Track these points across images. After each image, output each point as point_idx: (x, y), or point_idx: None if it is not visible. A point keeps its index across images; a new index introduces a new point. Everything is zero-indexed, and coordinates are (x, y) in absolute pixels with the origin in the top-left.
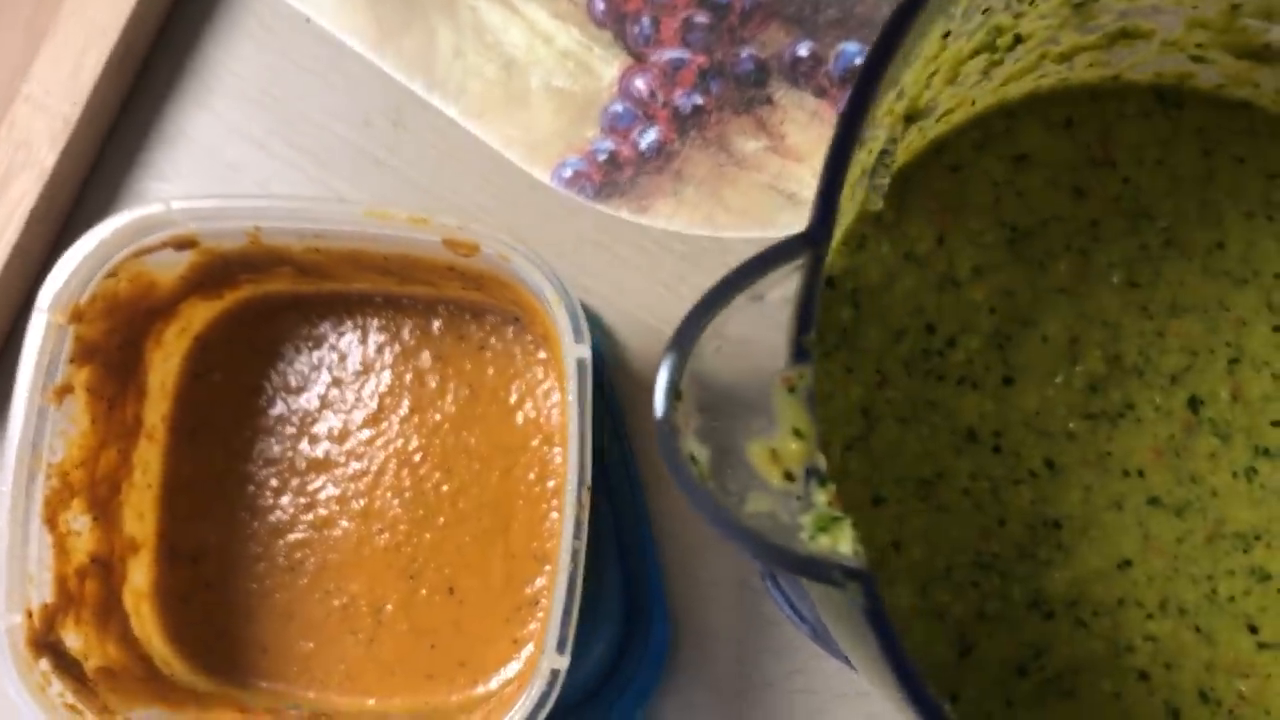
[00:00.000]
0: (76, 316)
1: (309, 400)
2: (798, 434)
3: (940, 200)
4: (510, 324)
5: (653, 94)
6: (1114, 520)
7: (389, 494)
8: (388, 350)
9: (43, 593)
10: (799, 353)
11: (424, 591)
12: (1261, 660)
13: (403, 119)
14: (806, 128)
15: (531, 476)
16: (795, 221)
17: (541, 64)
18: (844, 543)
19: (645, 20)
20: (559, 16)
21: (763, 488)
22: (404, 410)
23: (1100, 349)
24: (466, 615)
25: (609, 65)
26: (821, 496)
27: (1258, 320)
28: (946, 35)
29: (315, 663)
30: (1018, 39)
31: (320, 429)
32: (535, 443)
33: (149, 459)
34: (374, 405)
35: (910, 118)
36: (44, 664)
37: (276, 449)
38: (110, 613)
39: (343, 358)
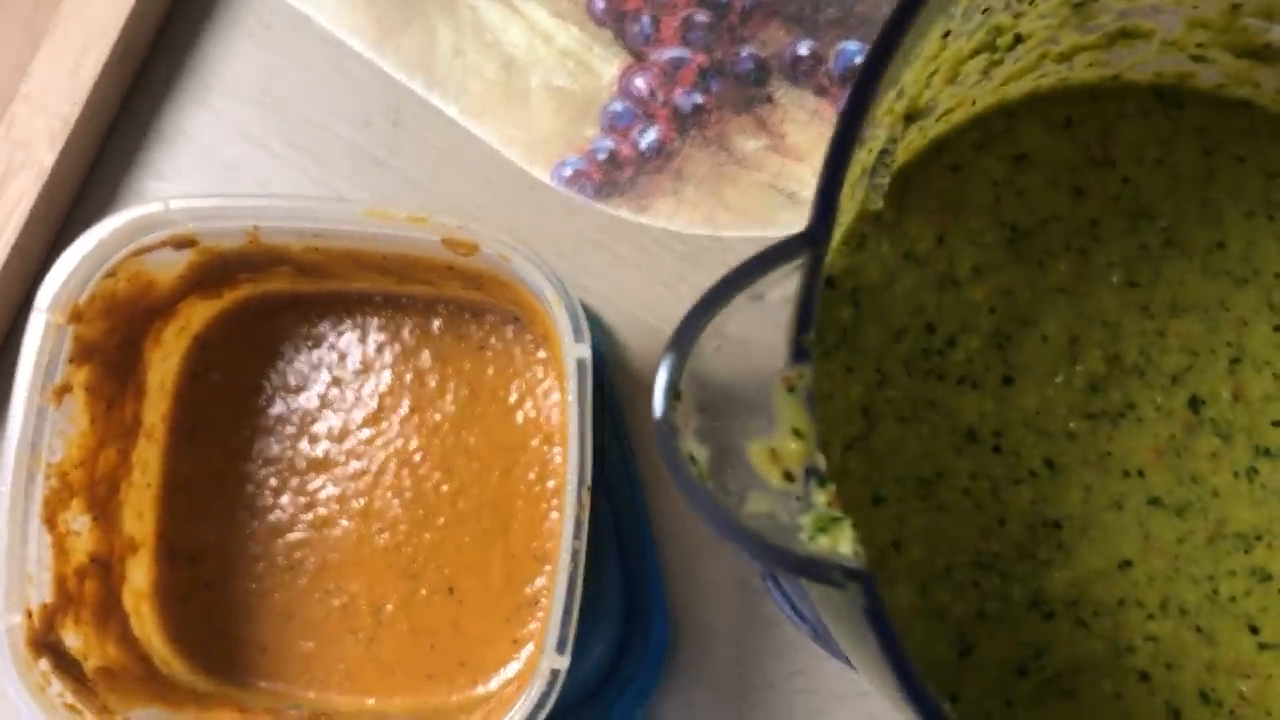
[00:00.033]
0: (75, 316)
1: (308, 400)
2: (797, 434)
3: (940, 200)
4: (510, 323)
5: (653, 93)
6: (1114, 520)
7: (389, 494)
8: (387, 350)
9: (42, 593)
10: (799, 352)
11: (424, 591)
12: (1262, 661)
13: (402, 118)
14: (807, 127)
15: (531, 476)
16: (795, 220)
17: (541, 63)
18: (844, 543)
19: (645, 19)
20: (559, 15)
21: (762, 488)
22: (404, 410)
23: (1100, 349)
24: (466, 615)
25: (609, 64)
26: (821, 497)
27: (1258, 320)
28: (946, 35)
29: (315, 662)
30: (1018, 39)
31: (320, 428)
32: (535, 442)
33: (148, 459)
34: (374, 405)
35: (910, 117)
36: (43, 664)
37: (276, 448)
38: (110, 613)
39: (342, 357)
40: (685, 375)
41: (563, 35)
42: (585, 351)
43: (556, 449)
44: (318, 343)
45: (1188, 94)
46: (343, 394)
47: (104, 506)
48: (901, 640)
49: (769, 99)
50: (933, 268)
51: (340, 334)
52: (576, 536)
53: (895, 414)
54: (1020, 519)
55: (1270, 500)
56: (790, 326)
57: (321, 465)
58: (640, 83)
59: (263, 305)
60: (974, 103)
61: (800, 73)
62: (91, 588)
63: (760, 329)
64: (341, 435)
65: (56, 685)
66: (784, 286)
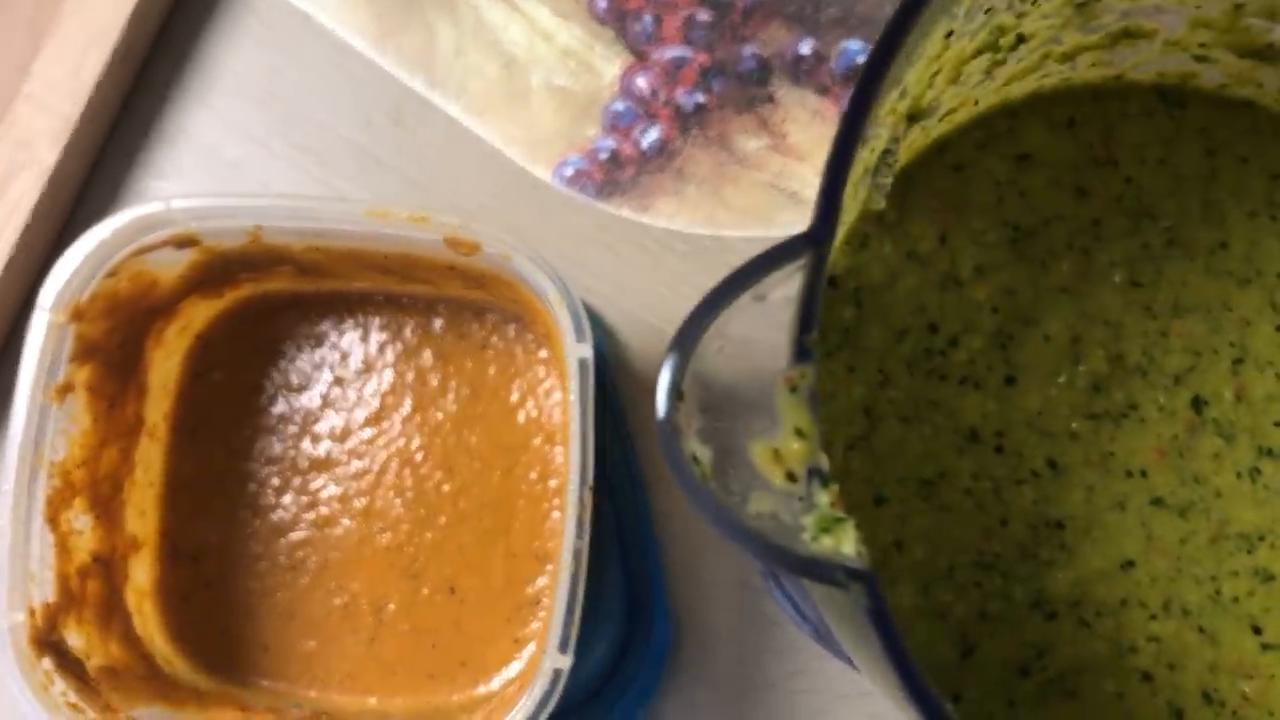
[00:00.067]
0: (77, 315)
1: (310, 399)
2: (800, 434)
3: (943, 199)
4: (512, 323)
5: (654, 92)
6: (1117, 521)
7: (390, 493)
8: (389, 349)
9: (45, 591)
10: (801, 352)
11: (425, 591)
12: (1265, 661)
13: (403, 117)
14: (808, 126)
15: (533, 476)
16: (797, 220)
17: (542, 62)
18: (847, 543)
19: (647, 18)
20: (560, 14)
21: (765, 488)
22: (405, 409)
23: (1103, 349)
24: (468, 615)
25: (610, 63)
26: (824, 497)
27: (1261, 320)
28: (949, 35)
29: (316, 662)
30: (1020, 39)
31: (322, 428)
32: (537, 442)
33: (150, 458)
34: (375, 404)
35: (913, 117)
36: (46, 663)
37: (278, 448)
38: (112, 611)
39: (344, 356)
40: (688, 376)
41: (564, 34)
42: (587, 351)
43: (558, 448)
44: (319, 342)
45: (1190, 94)
46: (344, 393)
47: (106, 505)
48: (904, 640)
49: (771, 98)
50: (935, 267)
51: (342, 333)
52: (579, 536)
53: (897, 414)
54: (1022, 519)
55: (1273, 500)
56: (793, 326)
57: (323, 464)
58: (642, 82)
59: (264, 305)
60: (977, 102)
61: (802, 72)
62: (94, 587)
63: (763, 329)
64: (343, 434)
65: (59, 684)
66: (786, 287)
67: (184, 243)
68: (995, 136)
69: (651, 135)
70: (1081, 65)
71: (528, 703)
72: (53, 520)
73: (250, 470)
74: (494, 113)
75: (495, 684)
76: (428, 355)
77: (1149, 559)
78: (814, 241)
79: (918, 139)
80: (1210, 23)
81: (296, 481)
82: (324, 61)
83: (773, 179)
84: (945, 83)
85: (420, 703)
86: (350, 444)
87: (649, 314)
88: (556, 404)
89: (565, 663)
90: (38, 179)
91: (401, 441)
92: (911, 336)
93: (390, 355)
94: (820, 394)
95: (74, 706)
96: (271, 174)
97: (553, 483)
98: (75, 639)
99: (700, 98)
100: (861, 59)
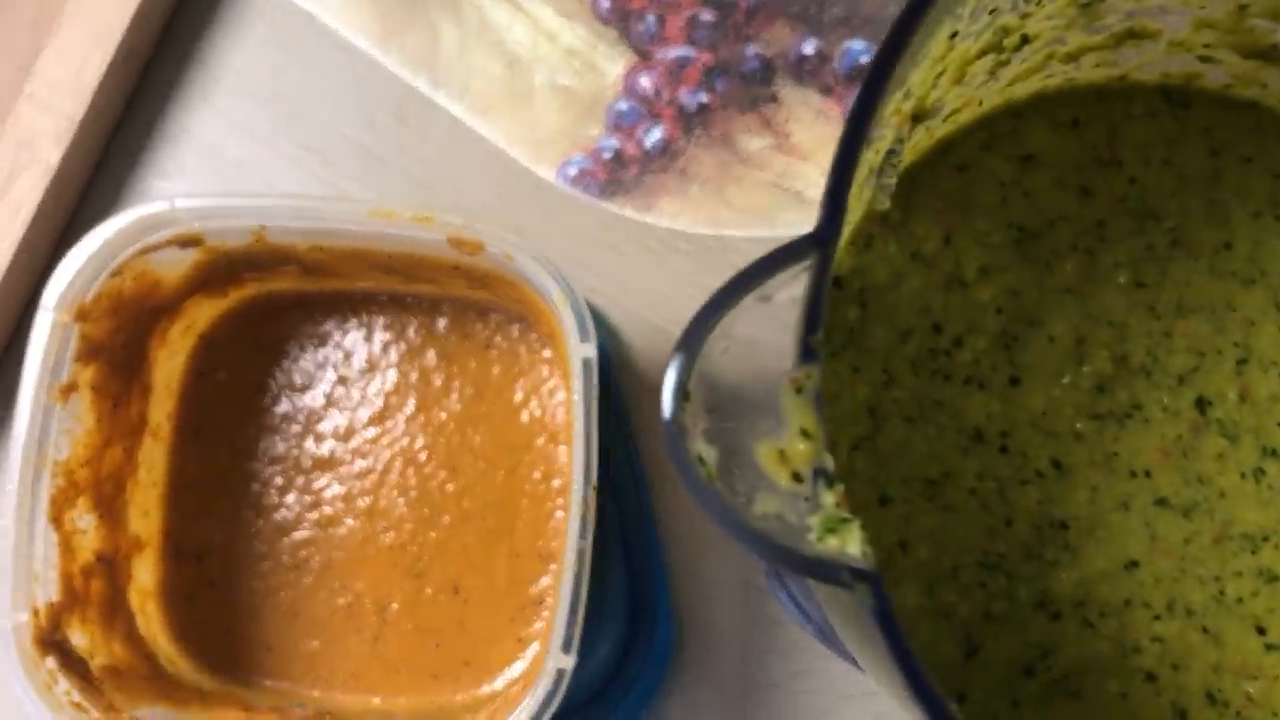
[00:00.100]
0: (82, 315)
1: (314, 398)
2: (805, 435)
3: (947, 200)
4: (515, 322)
5: (658, 92)
6: (1121, 521)
7: (394, 492)
8: (393, 349)
9: (49, 591)
10: (806, 353)
11: (429, 590)
12: (1269, 662)
13: (407, 117)
14: (812, 126)
15: (536, 475)
16: (800, 220)
17: (546, 61)
18: (852, 544)
19: (650, 18)
20: (564, 14)
21: (770, 489)
22: (409, 409)
23: (1107, 349)
24: (471, 614)
25: (614, 63)
26: (829, 498)
27: (1265, 320)
28: (954, 35)
29: (320, 661)
30: (1024, 39)
31: (325, 427)
32: (540, 442)
33: (154, 457)
34: (379, 404)
35: (917, 117)
36: (50, 662)
37: (281, 447)
38: (116, 611)
39: (348, 356)
40: (694, 376)
41: (567, 34)
42: (591, 351)
43: (562, 448)
44: (323, 341)
45: (1195, 94)
46: (348, 393)
47: (110, 505)
48: (909, 641)
49: (774, 98)
50: (940, 268)
51: (346, 333)
52: (582, 536)
53: (902, 414)
54: (1027, 519)
55: (1277, 501)
56: (798, 327)
57: (327, 464)
58: (645, 82)
59: (268, 304)
60: (981, 103)
61: (805, 72)
62: (97, 586)
63: (768, 330)
64: (347, 434)
65: (63, 683)
66: (792, 287)
67: (188, 242)
68: (999, 137)
69: (655, 135)
70: (1086, 66)
71: (531, 703)
72: (56, 520)
73: (254, 470)
74: (497, 112)
75: (499, 684)
76: (431, 355)
77: (1153, 559)
78: (819, 242)
79: (922, 140)
80: (1215, 23)
81: (300, 481)
82: (327, 61)
83: (776, 179)
84: (950, 83)
85: (424, 702)
86: (354, 443)
87: (652, 313)
88: (560, 404)
89: (569, 662)
90: (41, 179)
91: (405, 441)
92: (916, 337)
93: (394, 355)
94: (825, 394)
95: (77, 706)
96: (275, 174)
97: (556, 482)
98: (79, 639)
99: (704, 97)
100: (865, 59)
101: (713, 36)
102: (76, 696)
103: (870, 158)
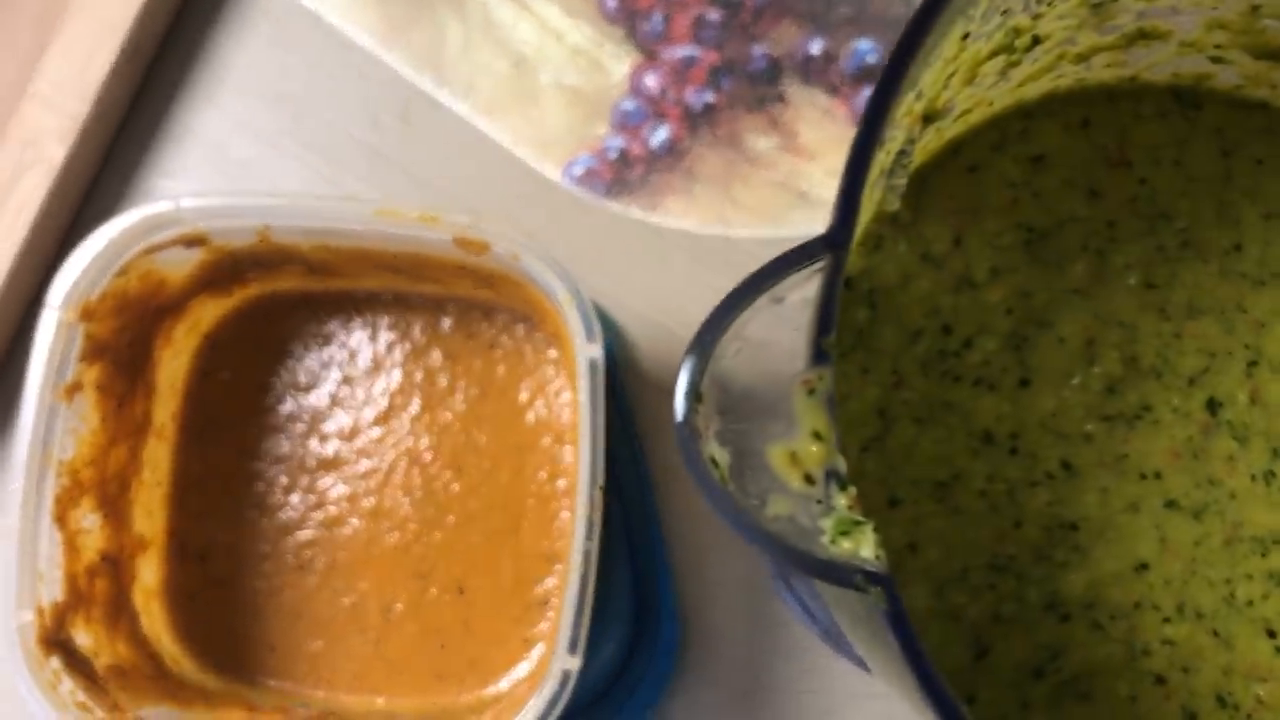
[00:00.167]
0: (87, 314)
1: (319, 398)
2: (817, 436)
3: (957, 201)
4: (521, 322)
5: (664, 91)
6: (1131, 523)
7: (399, 493)
8: (398, 348)
9: (53, 591)
10: (819, 355)
11: (434, 591)
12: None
13: (412, 116)
14: (818, 125)
15: (542, 476)
16: (807, 220)
17: (552, 61)
18: (866, 547)
19: (657, 17)
20: (570, 13)
21: (783, 491)
22: (414, 409)
23: (1117, 350)
24: (476, 615)
25: (620, 62)
26: (842, 500)
27: (1275, 322)
28: (966, 36)
29: (324, 662)
30: (1036, 40)
31: (330, 427)
32: (546, 442)
33: (158, 457)
34: (384, 403)
35: (928, 118)
36: (55, 662)
37: (286, 447)
38: (120, 611)
39: (352, 356)
40: (706, 377)
41: (573, 33)
42: (597, 351)
43: (567, 449)
44: (328, 341)
45: (1205, 95)
46: (353, 392)
47: (114, 504)
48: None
49: (781, 97)
50: (949, 269)
51: (350, 332)
52: (588, 537)
53: (911, 416)
54: (1036, 521)
55: None
56: (810, 329)
57: (331, 464)
58: (651, 81)
59: (273, 304)
60: (991, 104)
61: (812, 71)
62: (102, 586)
63: (780, 331)
64: (351, 434)
65: (67, 683)
66: (804, 289)
67: (193, 242)
68: (1010, 138)
69: (661, 134)
70: (1096, 66)
71: (537, 704)
72: (61, 519)
73: (258, 469)
74: (503, 111)
75: (504, 684)
76: (436, 355)
77: (1163, 561)
78: (832, 244)
79: (932, 140)
80: (1226, 24)
81: (304, 481)
82: (332, 60)
83: (783, 178)
84: (961, 84)
85: (428, 703)
86: (358, 443)
87: (658, 313)
88: (566, 404)
89: (575, 664)
90: (45, 177)
91: (410, 441)
92: (926, 338)
93: (399, 354)
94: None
95: (82, 705)
96: (280, 173)
97: (561, 483)
98: (83, 638)
99: (710, 97)
100: (872, 59)
101: (719, 36)
102: (81, 696)
103: (881, 159)
